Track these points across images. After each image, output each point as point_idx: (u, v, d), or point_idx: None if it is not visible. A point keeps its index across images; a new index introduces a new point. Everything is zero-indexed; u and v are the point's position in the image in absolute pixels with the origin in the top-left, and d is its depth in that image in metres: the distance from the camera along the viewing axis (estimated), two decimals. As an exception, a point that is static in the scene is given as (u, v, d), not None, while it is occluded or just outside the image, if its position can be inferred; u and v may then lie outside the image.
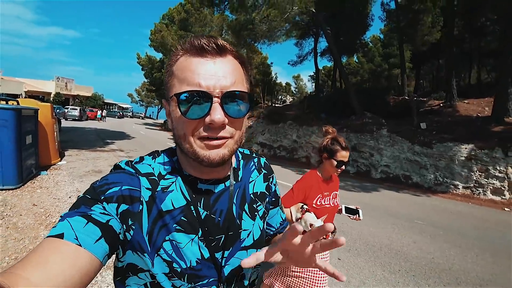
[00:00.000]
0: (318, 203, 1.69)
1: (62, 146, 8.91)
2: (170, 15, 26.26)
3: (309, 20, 18.98)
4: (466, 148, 9.62)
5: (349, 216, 1.80)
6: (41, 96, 35.90)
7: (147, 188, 0.56)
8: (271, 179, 0.79)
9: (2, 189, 4.58)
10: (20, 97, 29.07)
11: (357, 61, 38.55)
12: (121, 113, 50.72)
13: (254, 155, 0.79)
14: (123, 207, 0.52)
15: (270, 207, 0.79)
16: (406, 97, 18.88)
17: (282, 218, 0.86)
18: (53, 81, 42.02)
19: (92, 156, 8.82)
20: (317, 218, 1.54)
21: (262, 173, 0.76)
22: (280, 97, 48.99)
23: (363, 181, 9.59)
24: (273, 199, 0.80)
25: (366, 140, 11.22)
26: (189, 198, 0.59)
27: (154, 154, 0.64)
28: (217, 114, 0.51)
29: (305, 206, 1.62)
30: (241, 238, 0.65)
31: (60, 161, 7.34)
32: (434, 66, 27.55)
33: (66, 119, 25.97)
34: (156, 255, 0.55)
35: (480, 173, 9.26)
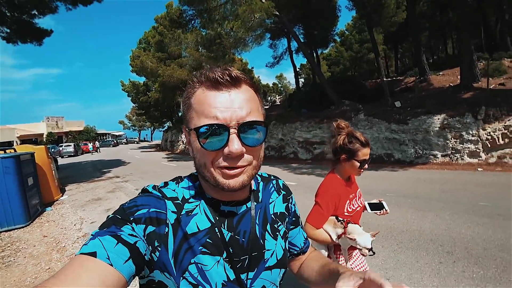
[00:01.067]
0: (349, 209, 1.52)
1: (62, 182, 9.44)
2: (146, 38, 27.03)
3: (277, 22, 19.67)
4: (438, 119, 10.22)
5: (376, 213, 1.65)
6: (34, 139, 36.25)
7: (172, 212, 0.59)
8: (290, 199, 0.81)
9: (14, 229, 5.11)
10: (14, 143, 29.55)
11: (336, 51, 39.51)
12: (115, 141, 51.05)
13: (272, 177, 0.81)
14: (150, 228, 0.54)
15: (291, 227, 0.81)
16: (385, 79, 19.64)
17: (304, 237, 0.87)
18: (43, 122, 42.46)
19: (91, 187, 9.36)
20: (355, 222, 1.43)
21: (281, 194, 0.78)
22: (269, 98, 49.75)
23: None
24: (293, 219, 0.82)
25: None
26: (213, 220, 0.61)
27: (178, 180, 0.67)
28: (234, 145, 0.53)
29: (340, 218, 1.44)
30: (265, 258, 0.66)
31: (62, 196, 7.88)
32: (412, 44, 28.47)
33: (62, 157, 26.46)
34: (182, 278, 0.56)
35: (455, 140, 9.86)
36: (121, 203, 0.59)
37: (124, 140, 59.89)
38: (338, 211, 1.47)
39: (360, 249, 1.30)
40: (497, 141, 9.27)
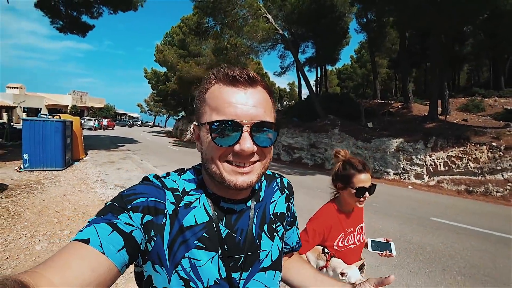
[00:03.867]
0: (341, 244, 1.38)
1: (85, 148, 12.00)
2: (172, 33, 29.77)
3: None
4: (396, 142, 12.17)
5: (379, 253, 1.46)
6: (59, 109, 39.57)
7: (171, 202, 0.58)
8: (291, 199, 0.80)
9: (56, 170, 7.58)
10: (42, 110, 32.85)
11: (351, 66, 41.32)
12: (131, 122, 54.02)
13: (276, 175, 0.80)
14: (148, 217, 0.54)
15: (288, 227, 0.81)
16: (379, 100, 21.51)
17: (298, 236, 0.88)
18: (69, 95, 46.09)
19: (107, 154, 11.98)
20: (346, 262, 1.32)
21: (285, 194, 0.77)
22: (285, 102, 51.74)
23: (318, 171, 12.27)
24: (291, 219, 0.82)
25: (322, 138, 13.93)
26: (211, 215, 0.60)
27: (180, 171, 0.67)
28: (246, 143, 0.53)
29: (326, 250, 1.36)
30: (259, 258, 0.65)
31: (86, 156, 10.43)
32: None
33: (83, 129, 29.46)
34: (174, 271, 0.55)
35: (406, 162, 11.77)
36: (120, 191, 0.58)
37: (140, 123, 63.06)
38: (327, 242, 1.37)
39: (336, 275, 1.26)
40: (439, 168, 11.13)
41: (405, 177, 11.60)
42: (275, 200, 0.74)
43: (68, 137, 8.24)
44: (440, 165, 11.13)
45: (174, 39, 26.92)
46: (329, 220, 1.38)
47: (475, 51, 20.54)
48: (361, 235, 1.50)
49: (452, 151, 11.07)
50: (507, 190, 9.46)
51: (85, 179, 6.99)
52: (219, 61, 15.61)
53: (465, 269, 3.51)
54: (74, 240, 0.47)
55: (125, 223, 0.51)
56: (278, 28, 14.59)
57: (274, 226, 0.71)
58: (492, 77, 21.21)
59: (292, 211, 0.82)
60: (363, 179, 1.34)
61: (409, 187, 10.30)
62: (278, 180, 0.79)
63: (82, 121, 31.12)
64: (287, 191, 0.79)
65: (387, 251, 1.46)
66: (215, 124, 0.54)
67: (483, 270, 3.50)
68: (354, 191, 1.33)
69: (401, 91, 21.35)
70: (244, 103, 0.55)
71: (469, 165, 10.69)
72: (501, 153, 10.09)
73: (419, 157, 11.51)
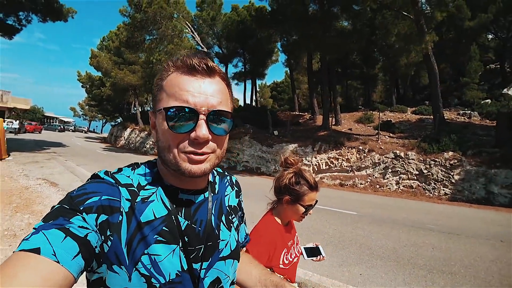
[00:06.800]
0: (286, 261, 1.28)
1: (7, 150, 12.57)
2: (109, 38, 30.06)
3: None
4: (292, 147, 15.32)
5: (312, 259, 1.46)
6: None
7: (127, 199, 0.57)
8: (241, 196, 0.85)
9: (-22, 166, 8.60)
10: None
11: (286, 81, 45.70)
12: (62, 126, 50.48)
13: (226, 173, 0.84)
14: (103, 217, 0.52)
15: (240, 221, 0.84)
16: (296, 113, 25.35)
17: (246, 232, 0.93)
18: (-14, 93, 41.58)
19: (31, 155, 12.78)
20: (290, 280, 1.29)
21: (235, 190, 0.82)
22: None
23: (230, 173, 14.77)
24: (242, 214, 0.87)
25: (235, 144, 16.60)
26: (170, 208, 0.60)
27: (134, 166, 0.66)
28: (202, 130, 0.54)
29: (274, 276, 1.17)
30: (219, 248, 0.66)
31: (8, 157, 11.27)
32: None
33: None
34: (134, 269, 0.54)
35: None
36: (68, 192, 0.55)
37: (72, 127, 59.22)
38: (272, 262, 1.22)
39: None
40: (321, 167, 14.45)
41: (297, 174, 14.77)
42: (228, 194, 0.77)
43: (-9, 138, 9.26)
44: (322, 164, 14.48)
45: (110, 46, 27.43)
46: (273, 237, 1.25)
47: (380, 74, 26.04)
48: (298, 245, 1.42)
49: (331, 153, 14.47)
50: (367, 183, 13.03)
51: (8, 174, 8.23)
52: (147, 73, 17.34)
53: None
54: (19, 250, 0.43)
55: (79, 226, 0.48)
56: (203, 46, 17.00)
57: (230, 218, 0.74)
58: (388, 95, 26.89)
59: (242, 206, 0.85)
60: (313, 197, 1.27)
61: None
62: (228, 177, 0.83)
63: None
64: (236, 188, 0.83)
65: (320, 256, 1.45)
66: (171, 110, 0.55)
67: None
68: (303, 209, 1.25)
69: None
70: (202, 92, 0.56)
71: (343, 164, 14.15)
72: (365, 154, 13.62)
73: (308, 158, 14.71)
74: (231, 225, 0.73)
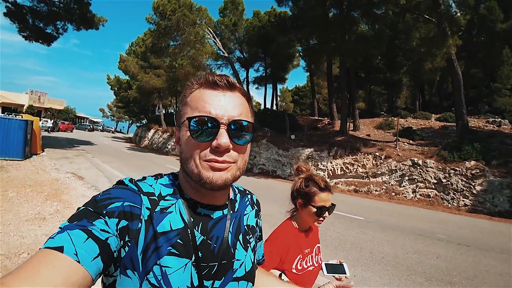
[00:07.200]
0: (299, 266, 1.31)
1: (42, 146, 13.69)
2: (137, 43, 31.64)
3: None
4: (307, 151, 15.35)
5: (334, 276, 1.35)
6: (13, 108, 38.46)
7: (147, 208, 0.58)
8: (260, 216, 0.84)
9: (17, 160, 9.49)
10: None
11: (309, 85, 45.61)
12: (91, 126, 52.86)
13: (247, 191, 0.84)
14: (123, 223, 0.53)
15: (257, 241, 0.83)
16: (316, 117, 25.23)
17: (263, 251, 0.93)
18: (26, 94, 44.60)
19: (63, 152, 13.82)
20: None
21: (255, 209, 0.81)
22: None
23: (245, 175, 14.98)
24: (260, 234, 0.87)
25: (253, 147, 16.86)
26: (187, 221, 0.61)
27: (157, 176, 0.68)
28: (223, 138, 0.56)
29: (284, 277, 1.25)
30: (233, 268, 0.66)
31: (43, 152, 12.26)
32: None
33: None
34: (145, 278, 0.55)
35: (314, 167, 14.91)
36: (94, 195, 0.57)
37: (101, 128, 62.22)
38: (284, 265, 1.28)
39: None
40: (336, 172, 14.35)
41: (313, 179, 14.76)
42: (247, 213, 0.77)
43: (28, 134, 10.16)
44: (337, 170, 14.37)
45: (137, 51, 28.89)
46: (287, 241, 1.30)
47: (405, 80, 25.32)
48: (319, 255, 1.44)
49: (347, 159, 14.33)
50: (383, 190, 12.81)
51: (42, 167, 9.03)
52: (170, 77, 18.10)
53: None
54: (45, 247, 0.46)
55: (101, 229, 0.50)
56: (224, 52, 17.52)
57: (248, 237, 0.73)
58: (412, 101, 26.06)
59: (260, 225, 0.85)
60: (325, 198, 1.30)
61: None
62: (249, 196, 0.83)
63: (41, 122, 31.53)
64: (256, 207, 0.82)
65: (343, 274, 1.35)
66: (194, 120, 0.57)
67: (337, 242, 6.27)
68: (315, 210, 1.29)
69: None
70: (223, 104, 0.59)
71: (359, 170, 13.97)
72: (381, 160, 13.36)
73: (323, 163, 14.66)
74: (248, 245, 0.72)
